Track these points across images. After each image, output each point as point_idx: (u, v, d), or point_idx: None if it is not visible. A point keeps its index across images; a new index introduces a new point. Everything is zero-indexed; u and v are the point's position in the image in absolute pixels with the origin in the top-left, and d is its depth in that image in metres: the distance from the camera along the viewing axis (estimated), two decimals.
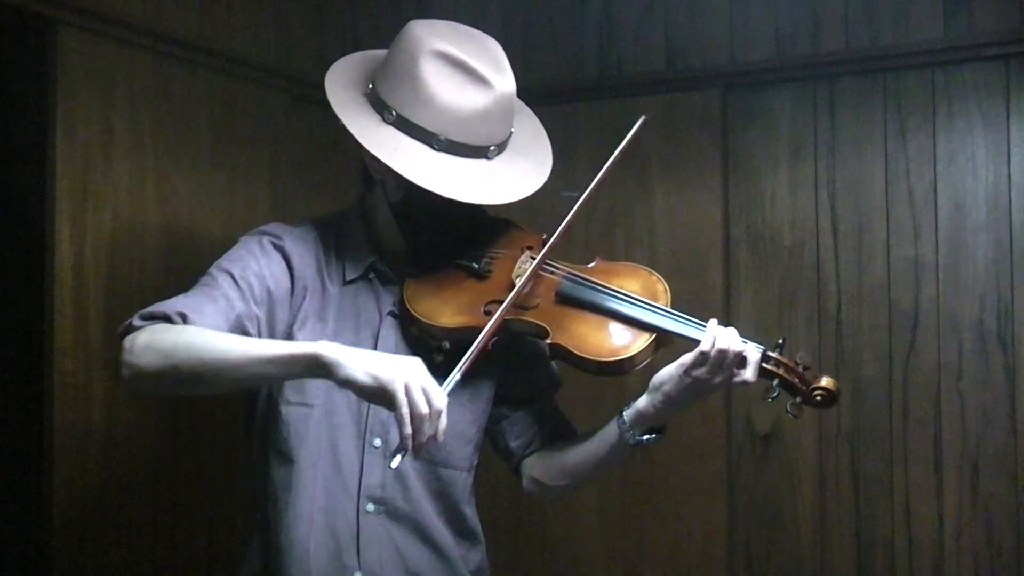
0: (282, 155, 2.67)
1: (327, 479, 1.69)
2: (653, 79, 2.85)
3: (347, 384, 1.47)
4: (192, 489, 2.39)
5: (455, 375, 1.56)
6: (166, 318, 1.57)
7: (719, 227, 2.78)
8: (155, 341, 1.53)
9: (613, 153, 1.78)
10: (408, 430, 1.44)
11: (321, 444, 1.70)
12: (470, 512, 1.82)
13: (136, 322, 1.57)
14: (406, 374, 1.46)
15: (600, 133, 2.87)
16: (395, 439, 1.71)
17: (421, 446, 1.47)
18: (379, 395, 1.46)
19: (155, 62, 2.32)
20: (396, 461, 1.48)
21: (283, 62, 2.65)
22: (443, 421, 1.48)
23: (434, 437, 1.47)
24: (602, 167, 1.77)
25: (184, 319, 1.57)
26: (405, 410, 1.44)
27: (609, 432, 1.75)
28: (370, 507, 1.71)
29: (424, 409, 1.45)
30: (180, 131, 2.38)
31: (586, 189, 1.77)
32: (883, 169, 2.65)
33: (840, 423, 2.67)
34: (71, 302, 2.13)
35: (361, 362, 1.47)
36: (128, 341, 1.55)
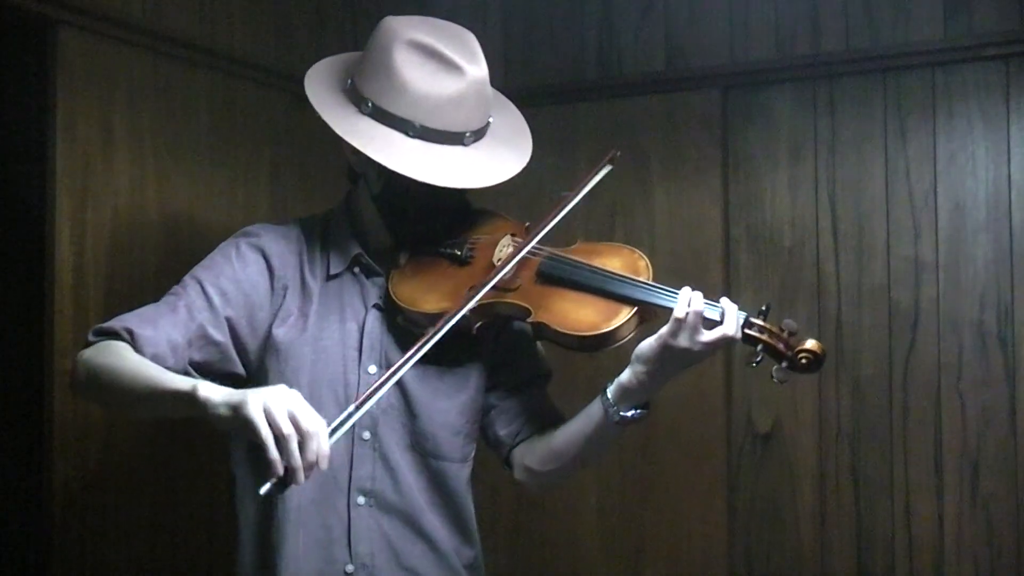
0: (282, 155, 2.66)
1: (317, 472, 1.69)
2: (653, 79, 2.85)
3: (213, 422, 1.44)
4: (192, 489, 2.39)
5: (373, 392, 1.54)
6: (115, 334, 1.61)
7: (719, 227, 2.78)
8: (91, 361, 1.58)
9: (581, 189, 1.80)
10: (273, 455, 1.37)
11: None
12: (467, 505, 1.82)
13: (90, 337, 1.63)
14: (266, 399, 1.39)
15: (600, 133, 2.87)
16: (384, 432, 1.73)
17: (295, 472, 1.38)
18: (236, 423, 1.40)
19: (155, 62, 2.32)
20: (264, 488, 1.39)
21: (283, 62, 2.65)
22: (322, 447, 1.40)
23: (315, 464, 1.39)
24: (572, 196, 1.80)
25: (131, 335, 1.59)
26: (265, 431, 1.37)
27: (594, 409, 1.73)
28: (361, 499, 1.71)
29: (286, 430, 1.37)
30: (180, 130, 2.38)
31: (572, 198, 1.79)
32: (883, 169, 2.65)
33: (840, 423, 2.67)
34: (71, 302, 2.13)
35: (226, 396, 1.43)
36: (80, 355, 1.61)
